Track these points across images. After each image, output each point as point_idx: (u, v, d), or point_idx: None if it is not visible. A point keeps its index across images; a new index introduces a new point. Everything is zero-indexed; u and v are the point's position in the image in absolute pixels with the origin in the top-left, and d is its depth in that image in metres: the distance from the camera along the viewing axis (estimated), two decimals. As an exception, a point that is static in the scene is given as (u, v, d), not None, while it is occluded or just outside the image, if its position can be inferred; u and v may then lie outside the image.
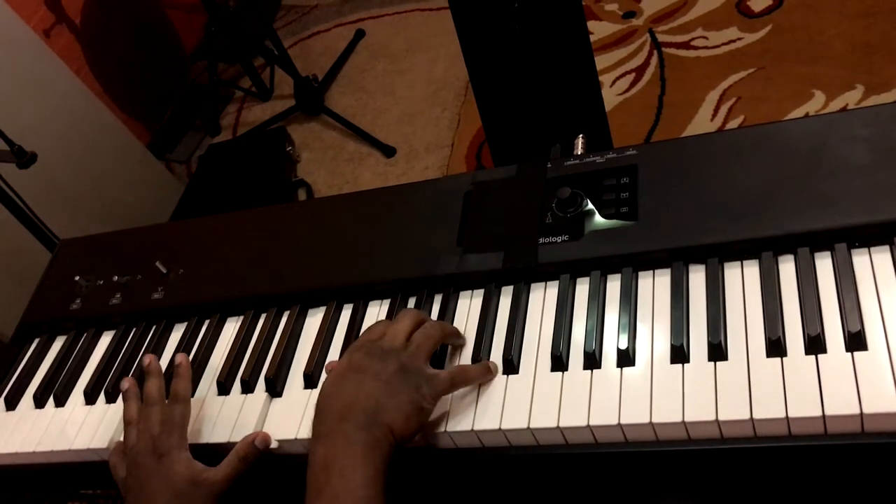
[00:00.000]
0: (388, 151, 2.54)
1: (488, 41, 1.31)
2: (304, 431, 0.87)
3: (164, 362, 1.03)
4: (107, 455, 0.96)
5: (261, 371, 0.96)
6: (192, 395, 0.93)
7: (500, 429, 0.79)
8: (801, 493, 0.79)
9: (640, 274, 0.86)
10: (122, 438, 0.94)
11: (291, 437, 0.87)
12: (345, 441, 0.74)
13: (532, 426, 0.77)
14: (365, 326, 0.96)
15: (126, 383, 0.95)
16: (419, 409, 0.77)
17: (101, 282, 1.15)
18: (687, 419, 0.72)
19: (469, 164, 2.35)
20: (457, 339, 0.88)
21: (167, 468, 0.85)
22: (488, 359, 0.85)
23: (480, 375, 0.82)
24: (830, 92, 2.00)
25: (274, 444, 0.87)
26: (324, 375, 0.88)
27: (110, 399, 1.02)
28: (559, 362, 0.81)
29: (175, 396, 0.91)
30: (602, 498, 0.89)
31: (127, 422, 0.92)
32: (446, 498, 0.77)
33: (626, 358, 0.78)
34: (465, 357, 0.87)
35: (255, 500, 0.97)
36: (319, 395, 0.81)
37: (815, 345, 0.72)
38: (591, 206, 0.91)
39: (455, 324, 0.91)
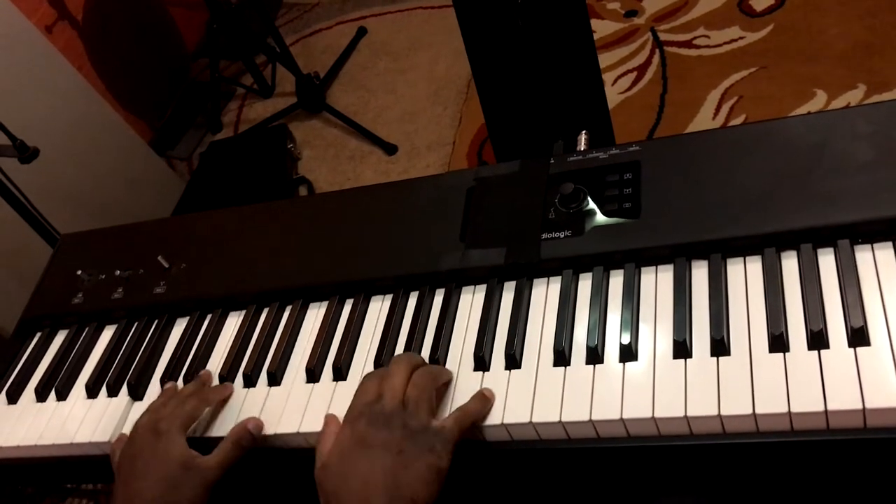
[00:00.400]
0: (390, 149, 2.54)
1: (491, 37, 1.31)
2: (306, 426, 0.87)
3: (165, 356, 1.04)
4: (108, 449, 0.96)
5: (263, 365, 0.96)
6: None
7: (502, 424, 0.79)
8: (804, 488, 0.79)
9: (643, 270, 0.86)
10: (124, 432, 0.94)
11: (293, 430, 0.87)
12: None
13: (534, 421, 0.77)
14: (367, 321, 0.96)
15: (169, 384, 0.97)
16: (437, 472, 0.75)
17: (103, 276, 1.15)
18: (689, 414, 0.72)
19: (470, 163, 2.35)
20: (445, 378, 0.85)
21: (162, 448, 0.85)
22: (490, 356, 0.85)
23: (483, 409, 0.80)
24: (832, 91, 2.00)
25: (269, 430, 0.87)
26: (320, 427, 0.84)
27: (112, 393, 1.02)
28: (562, 357, 0.81)
29: (199, 394, 0.91)
30: (605, 494, 0.90)
31: (147, 409, 0.92)
32: (447, 493, 0.77)
33: (628, 353, 0.78)
34: (468, 354, 0.87)
35: (257, 495, 0.97)
36: (325, 473, 0.77)
37: (817, 340, 0.72)
38: (593, 201, 0.91)
39: (457, 319, 0.91)
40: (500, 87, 1.36)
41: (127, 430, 0.93)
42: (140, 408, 0.98)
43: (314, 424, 0.86)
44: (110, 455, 0.92)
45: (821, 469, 0.73)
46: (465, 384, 0.84)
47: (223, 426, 0.91)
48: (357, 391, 0.83)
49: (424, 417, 0.78)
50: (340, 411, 0.85)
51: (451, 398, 0.83)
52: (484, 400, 0.81)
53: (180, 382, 0.99)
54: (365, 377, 0.84)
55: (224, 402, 0.93)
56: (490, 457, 0.82)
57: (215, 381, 0.97)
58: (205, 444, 0.89)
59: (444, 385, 0.84)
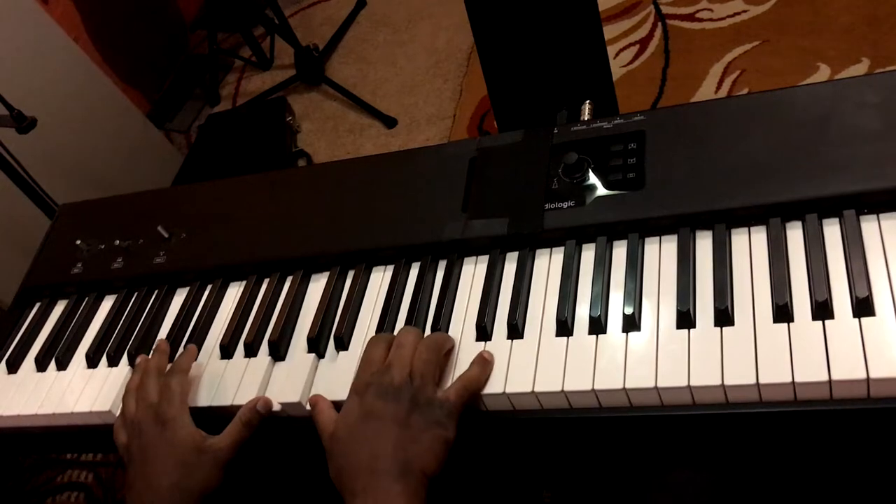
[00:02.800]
0: (390, 122, 2.52)
1: (495, 4, 1.30)
2: (308, 395, 0.87)
3: (166, 326, 1.03)
4: (108, 418, 0.96)
5: (264, 335, 0.96)
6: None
7: (504, 393, 0.79)
8: (807, 458, 0.79)
9: (647, 240, 0.85)
10: (121, 411, 0.94)
11: (295, 400, 0.87)
12: (385, 496, 0.73)
13: (537, 390, 0.77)
14: (368, 292, 0.96)
15: (140, 358, 0.97)
16: (444, 442, 0.76)
17: (103, 246, 1.15)
18: (692, 384, 0.72)
19: (471, 136, 2.34)
20: (449, 346, 0.85)
21: (171, 436, 0.85)
22: (492, 326, 0.85)
23: (483, 373, 0.81)
24: (835, 65, 1.99)
25: (276, 407, 0.87)
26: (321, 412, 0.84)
27: (112, 363, 1.02)
28: (564, 327, 0.81)
29: (174, 368, 0.91)
30: (611, 468, 0.90)
31: (127, 390, 0.93)
32: (449, 462, 0.77)
33: (631, 323, 0.78)
34: (470, 324, 0.86)
35: (261, 464, 0.98)
36: (334, 443, 0.79)
37: (822, 310, 0.71)
38: (597, 171, 0.90)
39: (459, 290, 0.91)
40: (503, 56, 1.35)
41: None
42: (141, 377, 0.97)
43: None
44: (114, 430, 0.92)
45: (824, 439, 0.73)
46: (467, 354, 0.83)
47: (225, 395, 0.91)
48: (363, 359, 0.83)
49: (431, 390, 0.79)
50: (343, 382, 0.85)
51: (454, 368, 0.83)
52: (483, 364, 0.81)
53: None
54: (370, 342, 0.85)
55: (195, 364, 0.94)
56: (493, 426, 0.82)
57: (216, 352, 0.97)
58: (207, 413, 0.89)
59: (447, 354, 0.84)
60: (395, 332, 0.86)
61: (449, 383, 0.81)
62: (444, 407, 0.78)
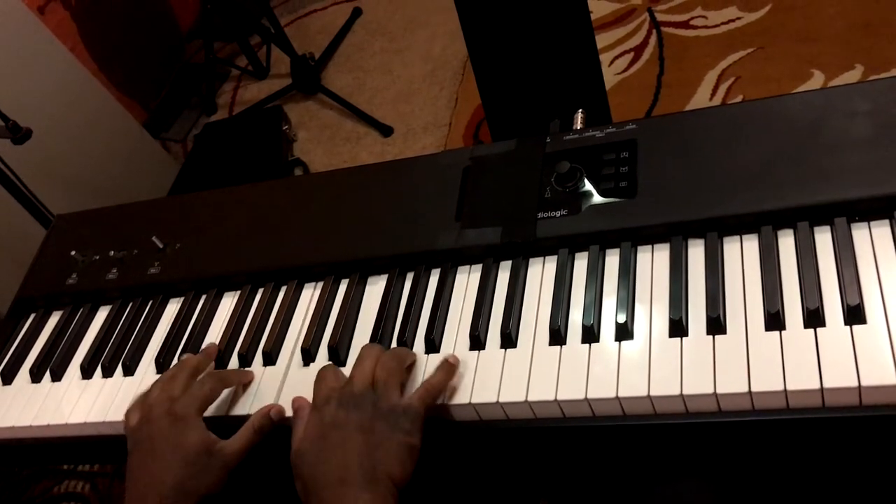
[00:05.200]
0: (386, 131, 2.53)
1: (488, 14, 1.30)
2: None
3: (159, 336, 1.03)
4: (104, 430, 0.96)
5: (258, 345, 0.96)
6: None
7: (497, 402, 0.79)
8: (800, 466, 0.80)
9: (639, 248, 0.85)
10: (120, 415, 0.94)
11: (289, 413, 0.87)
12: None
13: (530, 399, 0.77)
14: (363, 301, 0.96)
15: (186, 355, 0.95)
16: (410, 449, 0.76)
17: (98, 257, 1.15)
18: (685, 392, 0.72)
19: (466, 144, 2.34)
20: (411, 360, 0.85)
21: (180, 433, 0.83)
22: (485, 335, 0.85)
23: (447, 377, 0.81)
24: (830, 72, 1.99)
25: (289, 414, 0.87)
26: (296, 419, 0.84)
27: (107, 374, 1.02)
28: (557, 336, 0.81)
29: (215, 373, 0.90)
30: (605, 473, 0.90)
31: (159, 379, 0.91)
32: (443, 471, 0.77)
33: (624, 332, 0.78)
34: (464, 333, 0.86)
35: (254, 474, 0.97)
36: (300, 458, 0.78)
37: (813, 318, 0.72)
38: (590, 180, 0.91)
39: (453, 299, 0.91)
40: (496, 66, 1.35)
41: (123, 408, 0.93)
42: (134, 387, 0.97)
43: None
44: (126, 413, 0.90)
45: (817, 447, 0.73)
46: (461, 363, 0.83)
47: (219, 405, 0.90)
48: (316, 379, 0.84)
49: (394, 397, 0.79)
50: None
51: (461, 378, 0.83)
52: (448, 369, 0.81)
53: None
54: (322, 368, 0.85)
55: (245, 387, 0.92)
56: (485, 435, 0.82)
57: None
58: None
59: (408, 368, 0.84)
60: (393, 343, 0.86)
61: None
62: (407, 413, 0.77)
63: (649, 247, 0.85)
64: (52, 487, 2.05)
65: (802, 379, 0.68)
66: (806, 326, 0.72)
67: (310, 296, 1.00)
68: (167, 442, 0.83)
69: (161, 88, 3.02)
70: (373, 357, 0.82)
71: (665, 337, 0.77)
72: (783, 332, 0.72)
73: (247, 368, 0.94)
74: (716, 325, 0.75)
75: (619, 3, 2.49)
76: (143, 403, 0.88)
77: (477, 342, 0.85)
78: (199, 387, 0.87)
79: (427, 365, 0.85)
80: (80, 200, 2.21)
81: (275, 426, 0.86)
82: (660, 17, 2.38)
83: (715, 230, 0.82)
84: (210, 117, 2.95)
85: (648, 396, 0.73)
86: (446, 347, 0.86)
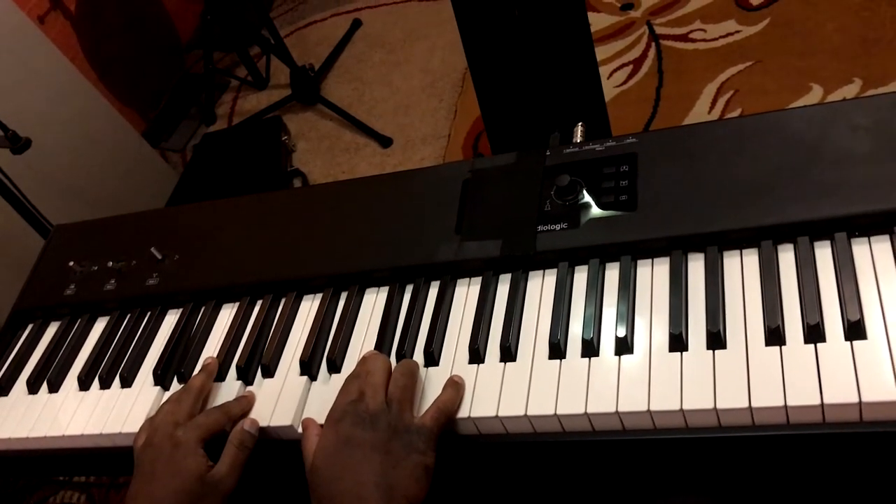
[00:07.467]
0: (385, 142, 2.53)
1: (487, 27, 1.31)
2: (300, 418, 0.87)
3: (157, 348, 1.03)
4: (100, 441, 0.96)
5: (256, 358, 0.95)
6: None
7: (496, 416, 0.78)
8: (801, 482, 0.79)
9: (639, 262, 0.85)
10: (117, 427, 0.93)
11: (287, 423, 0.86)
12: None
13: (529, 413, 0.77)
14: (361, 314, 0.96)
15: (209, 359, 0.95)
16: (425, 469, 0.76)
17: (96, 267, 1.15)
18: (685, 407, 0.71)
19: (466, 156, 2.35)
20: (418, 372, 0.85)
21: (179, 460, 0.83)
22: (485, 349, 0.84)
23: (456, 395, 0.81)
24: (828, 85, 2.00)
25: (263, 423, 0.87)
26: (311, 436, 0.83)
27: (104, 385, 1.01)
28: (557, 350, 0.81)
29: (223, 409, 0.89)
30: (604, 493, 0.89)
31: (167, 399, 0.91)
32: (441, 485, 0.76)
33: (624, 346, 0.78)
34: (463, 346, 0.86)
35: (257, 488, 0.97)
36: (315, 475, 0.78)
37: (814, 333, 0.71)
38: (590, 194, 0.91)
39: (453, 312, 0.91)
40: (496, 79, 1.35)
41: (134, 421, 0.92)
42: (132, 399, 0.97)
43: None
44: (135, 435, 0.89)
45: (817, 463, 0.72)
46: (462, 377, 0.83)
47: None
48: (340, 391, 0.83)
49: (408, 417, 0.79)
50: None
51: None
52: (456, 387, 0.81)
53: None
54: (347, 378, 0.84)
55: (244, 414, 0.90)
56: (484, 450, 0.81)
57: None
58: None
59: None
60: (392, 356, 0.86)
61: (419, 409, 0.81)
62: (421, 433, 0.77)
63: (649, 261, 0.85)
64: (47, 497, 2.04)
65: (803, 395, 0.68)
66: (806, 342, 0.72)
67: (308, 308, 0.99)
68: (166, 467, 0.83)
69: (160, 98, 3.02)
70: (382, 371, 0.82)
71: (665, 351, 0.76)
72: (783, 348, 0.72)
73: (248, 389, 0.94)
74: (716, 340, 0.75)
75: (619, 16, 2.49)
76: (149, 426, 0.89)
77: (476, 355, 0.84)
78: (205, 416, 0.87)
79: (426, 378, 0.85)
80: (78, 210, 2.20)
81: (256, 438, 0.86)
82: (659, 30, 2.39)
83: (715, 244, 0.82)
84: (209, 127, 2.95)
85: (648, 411, 0.73)
86: (445, 360, 0.86)
